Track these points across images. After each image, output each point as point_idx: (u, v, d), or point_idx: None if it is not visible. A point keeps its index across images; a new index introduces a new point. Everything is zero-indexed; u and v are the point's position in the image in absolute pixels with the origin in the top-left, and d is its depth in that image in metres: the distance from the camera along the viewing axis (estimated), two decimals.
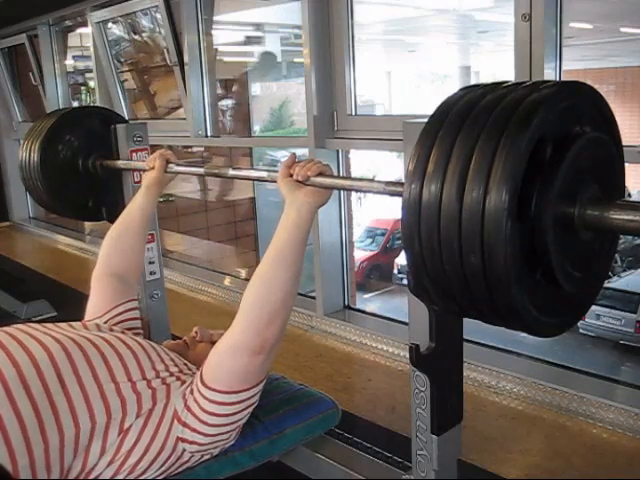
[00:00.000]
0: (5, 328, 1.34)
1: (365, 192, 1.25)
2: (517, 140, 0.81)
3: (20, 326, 1.36)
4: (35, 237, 5.05)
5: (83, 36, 4.65)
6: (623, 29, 8.65)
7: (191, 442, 1.32)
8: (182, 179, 6.30)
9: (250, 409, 1.36)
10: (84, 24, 4.05)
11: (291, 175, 1.31)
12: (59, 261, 4.33)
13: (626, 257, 9.64)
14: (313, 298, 2.70)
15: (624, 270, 9.26)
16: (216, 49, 3.55)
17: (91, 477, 1.24)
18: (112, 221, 1.82)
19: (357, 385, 2.21)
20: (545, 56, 1.82)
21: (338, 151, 2.58)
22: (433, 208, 0.85)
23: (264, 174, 1.41)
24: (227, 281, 3.41)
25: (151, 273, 2.08)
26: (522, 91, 0.86)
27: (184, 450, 1.33)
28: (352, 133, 2.49)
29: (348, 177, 1.29)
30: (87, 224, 5.15)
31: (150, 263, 2.07)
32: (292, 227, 1.27)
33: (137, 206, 1.74)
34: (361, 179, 1.30)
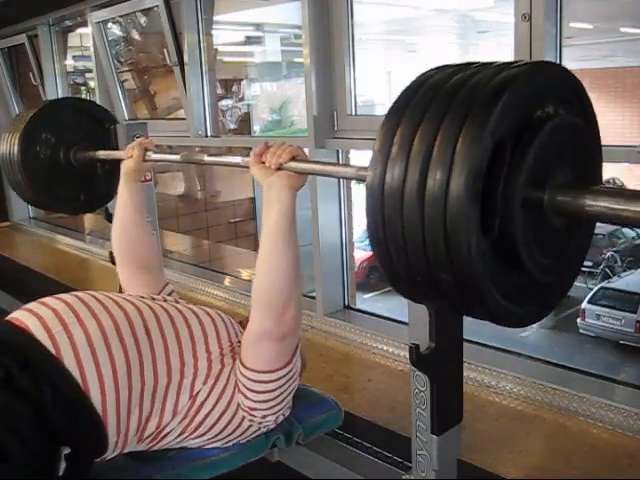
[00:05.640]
0: (88, 292, 1.43)
1: (338, 177, 1.22)
2: (481, 121, 0.77)
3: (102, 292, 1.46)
4: (35, 237, 5.05)
5: (83, 36, 4.65)
6: (623, 29, 8.65)
7: (248, 411, 1.38)
8: (182, 180, 6.30)
9: (293, 382, 1.39)
10: (84, 24, 4.04)
11: (264, 162, 1.29)
12: (59, 261, 4.33)
13: (626, 257, 9.64)
14: (313, 298, 2.70)
15: (624, 270, 9.26)
16: (216, 49, 3.55)
17: (163, 433, 1.34)
18: (108, 216, 1.80)
19: (357, 385, 2.21)
20: (545, 56, 1.82)
21: (338, 151, 2.58)
22: (396, 193, 0.81)
23: (238, 160, 1.41)
24: (227, 281, 3.42)
25: None
26: (491, 71, 0.83)
27: (244, 417, 1.38)
28: (352, 133, 2.49)
29: (320, 162, 1.27)
30: (87, 224, 5.15)
31: None
32: (278, 216, 1.26)
33: (125, 200, 1.74)
34: (334, 164, 1.27)
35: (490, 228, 0.81)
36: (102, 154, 2.04)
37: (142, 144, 1.74)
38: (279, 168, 1.26)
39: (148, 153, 1.74)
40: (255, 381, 1.34)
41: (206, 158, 1.62)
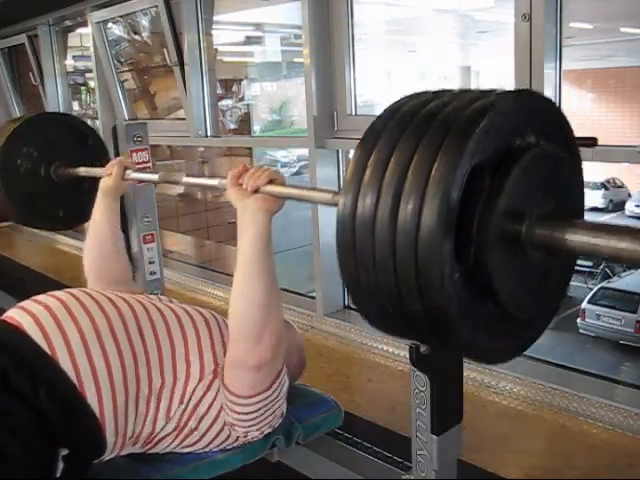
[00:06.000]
0: (82, 289, 1.43)
1: (314, 202, 1.19)
2: (457, 148, 0.74)
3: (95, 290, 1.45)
4: (35, 237, 5.05)
5: (83, 36, 4.65)
6: (623, 29, 8.66)
7: (230, 426, 1.37)
8: None
9: (276, 402, 1.37)
10: (84, 24, 4.04)
11: (241, 185, 1.27)
12: (59, 261, 4.33)
13: None
14: (313, 298, 2.70)
15: (624, 270, 9.26)
16: (216, 49, 3.55)
17: (158, 438, 1.33)
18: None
19: (357, 385, 2.21)
20: (545, 56, 1.82)
21: (338, 151, 2.58)
22: (367, 222, 0.78)
23: (215, 182, 1.39)
24: (227, 281, 3.42)
25: (151, 273, 2.08)
26: (467, 99, 0.79)
27: (230, 431, 1.38)
28: (352, 133, 2.49)
29: (298, 186, 1.25)
30: (87, 224, 5.15)
31: (150, 263, 2.07)
32: (253, 239, 1.24)
33: (100, 217, 1.71)
34: (310, 188, 1.23)
35: (464, 257, 0.77)
36: (82, 171, 2.02)
37: (121, 162, 1.73)
38: (256, 191, 1.24)
39: (127, 172, 1.72)
40: (233, 403, 1.33)
41: (184, 179, 1.61)
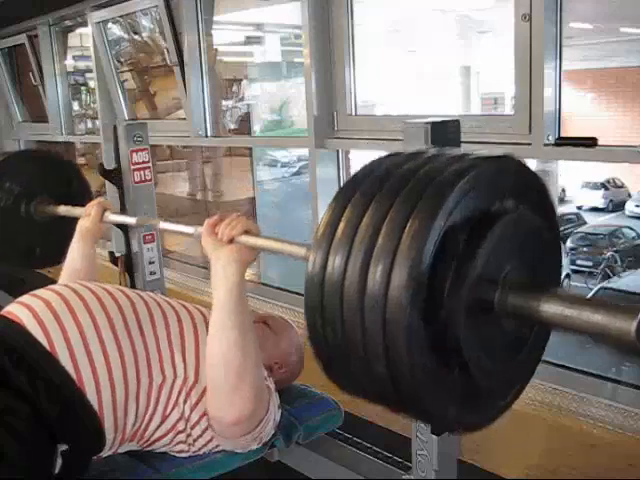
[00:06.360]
0: (81, 282, 1.43)
1: (288, 256, 1.16)
2: (431, 211, 0.72)
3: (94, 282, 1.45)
4: None
5: (83, 36, 4.64)
6: (623, 29, 8.65)
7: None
8: (183, 179, 6.30)
9: (265, 430, 1.37)
10: (84, 24, 4.04)
11: (216, 234, 1.27)
12: None
13: (626, 257, 9.63)
14: None
15: (624, 270, 9.26)
16: (216, 49, 3.55)
17: (154, 438, 1.33)
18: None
19: None
20: (545, 56, 1.82)
21: (338, 151, 2.58)
22: (336, 284, 0.76)
23: (191, 230, 1.39)
24: None
25: (151, 273, 2.08)
26: (445, 160, 0.78)
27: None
28: (352, 133, 2.49)
29: (273, 238, 1.24)
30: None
31: (150, 263, 2.07)
32: (225, 296, 1.24)
33: (74, 257, 1.71)
34: (285, 241, 1.21)
35: (434, 322, 0.75)
36: (62, 210, 2.02)
37: (101, 204, 1.72)
38: (231, 241, 1.24)
39: (106, 214, 1.71)
40: (218, 435, 1.34)
41: (161, 224, 1.63)
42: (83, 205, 1.81)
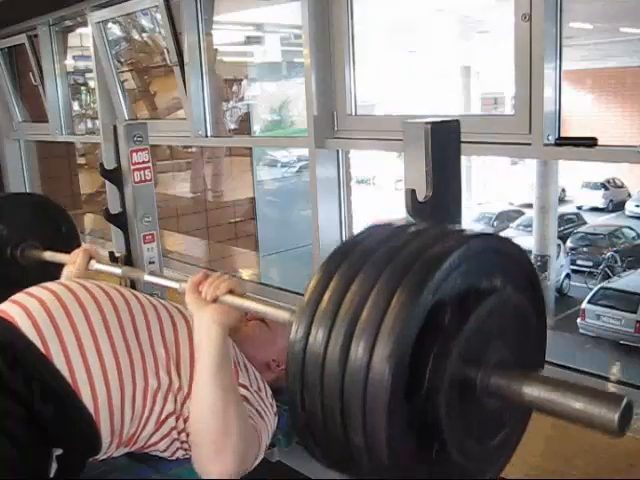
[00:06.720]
0: (77, 280, 1.43)
1: (271, 319, 1.16)
2: (416, 287, 0.71)
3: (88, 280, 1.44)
4: None
5: (83, 36, 4.64)
6: (623, 29, 8.66)
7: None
8: (183, 179, 6.31)
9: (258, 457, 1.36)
10: (84, 24, 4.04)
11: (200, 292, 1.26)
12: None
13: (626, 257, 9.64)
14: None
15: (624, 270, 9.27)
16: (216, 49, 3.55)
17: (150, 443, 1.32)
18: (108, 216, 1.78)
19: None
20: (545, 56, 1.82)
21: (338, 151, 2.58)
22: (318, 355, 0.75)
23: (176, 285, 1.38)
24: None
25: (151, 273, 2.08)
26: (431, 238, 0.78)
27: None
28: (352, 133, 2.49)
29: (256, 299, 1.23)
30: (87, 225, 5.15)
31: (150, 263, 2.07)
32: (207, 356, 1.23)
33: None
34: (269, 304, 1.19)
35: (414, 399, 0.75)
36: (48, 255, 2.01)
37: (86, 252, 1.70)
38: (215, 300, 1.23)
39: (92, 262, 1.69)
40: None
41: (146, 277, 1.63)
42: (70, 252, 1.79)
